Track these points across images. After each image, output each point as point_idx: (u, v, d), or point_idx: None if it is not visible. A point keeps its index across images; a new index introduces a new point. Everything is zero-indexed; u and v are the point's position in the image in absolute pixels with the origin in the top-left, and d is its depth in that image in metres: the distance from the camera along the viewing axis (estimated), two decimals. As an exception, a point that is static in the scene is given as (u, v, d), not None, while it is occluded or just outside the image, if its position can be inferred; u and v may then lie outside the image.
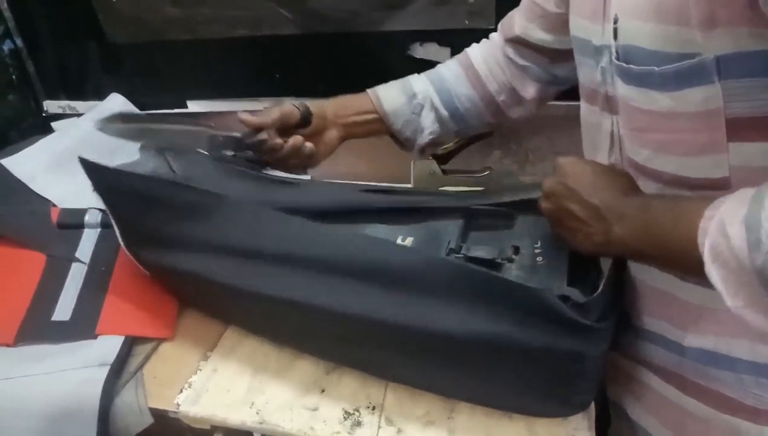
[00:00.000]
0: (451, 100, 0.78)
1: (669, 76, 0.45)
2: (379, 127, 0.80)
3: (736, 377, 0.51)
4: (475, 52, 0.79)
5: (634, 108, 0.50)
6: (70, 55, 1.04)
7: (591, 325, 0.51)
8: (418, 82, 0.80)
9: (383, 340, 0.59)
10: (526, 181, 0.99)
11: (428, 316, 0.55)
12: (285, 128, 0.75)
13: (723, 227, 0.39)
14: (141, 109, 1.02)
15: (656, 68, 0.45)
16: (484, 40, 0.80)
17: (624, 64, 0.48)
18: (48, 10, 1.00)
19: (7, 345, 0.68)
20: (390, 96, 0.79)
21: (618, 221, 0.49)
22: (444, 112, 0.79)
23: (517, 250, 0.64)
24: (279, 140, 0.74)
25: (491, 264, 0.61)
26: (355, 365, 0.66)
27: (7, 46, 1.01)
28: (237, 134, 0.74)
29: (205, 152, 0.77)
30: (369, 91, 0.80)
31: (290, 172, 0.80)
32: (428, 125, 0.80)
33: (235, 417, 0.62)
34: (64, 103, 1.08)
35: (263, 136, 0.73)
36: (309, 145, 0.75)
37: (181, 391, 0.65)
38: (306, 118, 0.75)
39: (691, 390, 0.55)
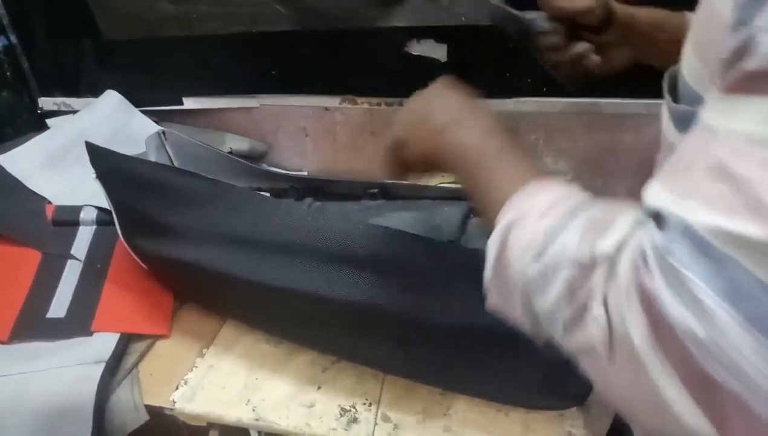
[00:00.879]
0: None
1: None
2: None
3: None
4: None
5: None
6: (65, 51, 1.03)
7: None
8: None
9: (381, 330, 0.59)
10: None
11: (426, 306, 0.55)
12: (576, 26, 0.62)
13: (525, 213, 0.37)
14: (136, 105, 1.02)
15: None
16: None
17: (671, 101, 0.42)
18: (43, 7, 0.99)
19: (2, 343, 0.68)
20: None
21: (456, 124, 0.48)
22: None
23: None
24: (562, 40, 0.62)
25: None
26: (352, 357, 0.66)
27: (1, 42, 1.01)
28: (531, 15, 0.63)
29: None
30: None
31: (563, 81, 0.67)
32: None
33: (231, 414, 0.62)
34: (59, 100, 1.07)
35: (549, 26, 0.62)
36: (595, 57, 0.62)
37: (177, 388, 0.65)
38: (606, 21, 0.61)
39: None
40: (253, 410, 0.62)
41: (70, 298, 0.73)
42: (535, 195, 0.38)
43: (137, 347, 0.69)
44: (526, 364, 0.56)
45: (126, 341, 0.69)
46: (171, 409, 0.63)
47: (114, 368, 0.65)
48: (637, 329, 0.28)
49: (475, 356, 0.57)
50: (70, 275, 0.75)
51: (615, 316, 0.30)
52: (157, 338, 0.71)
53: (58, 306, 0.72)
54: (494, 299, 0.40)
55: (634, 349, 0.28)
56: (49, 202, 0.85)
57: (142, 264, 0.73)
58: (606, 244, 0.31)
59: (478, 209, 0.46)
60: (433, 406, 0.62)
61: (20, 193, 0.86)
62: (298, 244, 0.61)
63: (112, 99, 1.01)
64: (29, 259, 0.76)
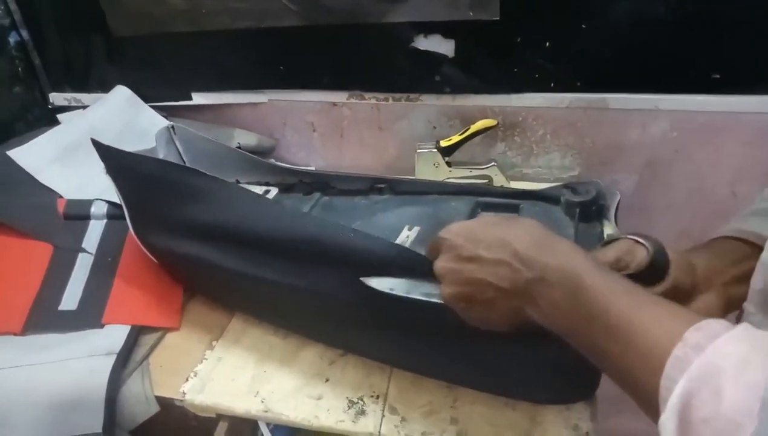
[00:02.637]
0: None
1: None
2: None
3: None
4: None
5: None
6: (75, 47, 1.04)
7: None
8: None
9: (388, 324, 0.60)
10: (529, 174, 0.99)
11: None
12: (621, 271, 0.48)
13: (718, 385, 0.27)
14: (145, 101, 1.02)
15: None
16: None
17: None
18: (53, 3, 1.00)
19: (15, 334, 0.69)
20: (764, 221, 0.53)
21: (539, 284, 0.38)
22: None
23: None
24: None
25: None
26: (359, 350, 0.66)
27: (13, 38, 1.02)
28: None
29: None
30: (725, 231, 0.55)
31: None
32: None
33: (240, 406, 0.63)
34: (69, 95, 1.08)
35: None
36: None
37: (187, 380, 0.66)
38: (659, 267, 0.48)
39: None
40: (262, 401, 0.63)
41: (81, 291, 0.74)
42: (708, 346, 0.29)
43: (147, 340, 0.70)
44: (534, 358, 0.56)
45: (136, 334, 0.70)
46: (181, 400, 0.64)
47: (125, 360, 0.66)
48: None
49: (482, 350, 0.57)
50: (82, 268, 0.76)
51: None
52: (167, 330, 0.72)
53: (70, 299, 0.73)
54: None
55: None
56: (61, 197, 0.86)
57: (152, 258, 0.74)
58: None
59: (604, 367, 0.37)
60: (439, 399, 0.62)
61: (32, 188, 0.87)
62: (304, 241, 0.61)
63: (121, 94, 1.01)
64: (41, 252, 0.77)
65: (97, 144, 0.68)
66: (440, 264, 0.46)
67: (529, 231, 0.42)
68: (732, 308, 0.49)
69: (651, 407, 0.30)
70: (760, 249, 0.45)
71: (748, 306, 0.44)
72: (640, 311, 0.33)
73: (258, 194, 0.65)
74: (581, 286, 0.37)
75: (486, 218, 0.47)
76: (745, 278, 0.45)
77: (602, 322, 0.34)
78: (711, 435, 0.27)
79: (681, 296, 0.48)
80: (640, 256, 0.48)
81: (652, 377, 0.30)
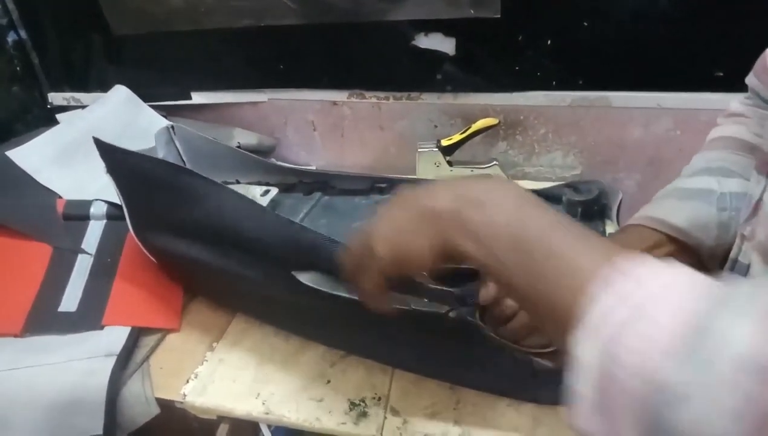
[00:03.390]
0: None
1: None
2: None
3: None
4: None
5: None
6: (74, 46, 1.04)
7: None
8: (696, 179, 0.59)
9: (389, 325, 0.59)
10: (531, 173, 0.99)
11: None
12: None
13: (641, 309, 0.27)
14: (144, 100, 1.02)
15: None
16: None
17: None
18: (52, 2, 1.00)
19: (15, 336, 0.69)
20: (674, 206, 0.56)
21: (478, 210, 0.35)
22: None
23: None
24: (511, 304, 0.50)
25: None
26: (360, 351, 0.66)
27: (11, 37, 1.01)
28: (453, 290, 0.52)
29: None
30: (635, 219, 0.58)
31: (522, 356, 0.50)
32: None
33: (241, 408, 0.62)
34: (68, 95, 1.08)
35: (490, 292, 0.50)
36: None
37: (188, 381, 0.65)
38: None
39: None
40: (263, 403, 0.62)
41: (81, 292, 0.73)
42: (637, 277, 0.28)
43: (148, 341, 0.70)
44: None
45: (136, 335, 0.69)
46: (181, 402, 0.63)
47: (125, 362, 0.66)
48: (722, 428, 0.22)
49: (485, 350, 0.57)
50: (81, 269, 0.76)
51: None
52: (167, 331, 0.72)
53: (70, 300, 0.72)
54: (590, 427, 0.29)
55: None
56: (60, 197, 0.85)
57: (152, 259, 0.73)
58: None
59: (524, 304, 0.35)
60: (442, 400, 0.62)
61: (31, 188, 0.86)
62: (302, 243, 0.61)
63: (120, 94, 1.01)
64: (41, 253, 0.77)
65: (98, 142, 0.68)
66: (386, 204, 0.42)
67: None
68: None
69: (565, 330, 0.29)
70: (671, 237, 0.49)
71: (753, 256, 0.44)
72: (569, 234, 0.33)
73: (245, 198, 0.64)
74: (524, 212, 0.35)
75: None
76: None
77: (531, 240, 0.33)
78: (628, 348, 0.26)
79: None
80: None
81: (573, 296, 0.29)
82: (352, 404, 0.62)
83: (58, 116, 1.07)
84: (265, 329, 0.72)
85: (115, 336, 0.68)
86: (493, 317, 0.51)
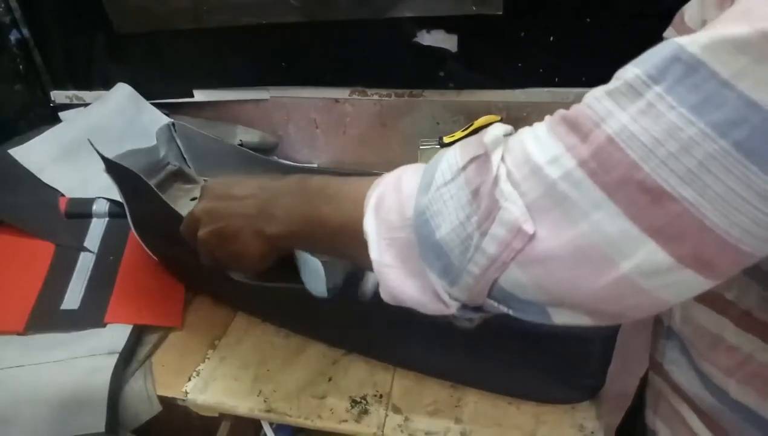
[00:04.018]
0: None
1: None
2: None
3: None
4: None
5: None
6: (76, 45, 1.04)
7: None
8: None
9: (390, 322, 0.59)
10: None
11: None
12: None
13: (398, 181, 0.36)
14: (147, 98, 1.02)
15: None
16: None
17: None
18: (54, 0, 1.00)
19: (18, 333, 0.69)
20: None
21: (276, 197, 0.44)
22: None
23: None
24: None
25: None
26: (362, 349, 0.66)
27: (14, 36, 1.01)
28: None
29: None
30: None
31: None
32: None
33: (242, 405, 0.62)
34: (71, 93, 1.08)
35: None
36: None
37: (190, 379, 0.65)
38: None
39: None
40: (265, 401, 0.62)
41: (83, 290, 0.73)
42: (393, 173, 0.37)
43: (150, 339, 0.70)
44: (538, 356, 0.55)
45: (139, 333, 0.69)
46: (183, 400, 0.64)
47: (127, 360, 0.66)
48: (560, 169, 0.28)
49: (487, 349, 0.57)
50: (84, 267, 0.76)
51: (525, 178, 0.29)
52: (169, 329, 0.72)
53: (72, 298, 0.72)
54: (392, 280, 0.35)
55: (559, 194, 0.28)
56: (62, 195, 0.85)
57: (154, 257, 0.73)
58: (490, 134, 0.32)
59: (326, 247, 0.43)
60: (444, 398, 0.62)
61: (34, 186, 0.86)
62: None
63: (123, 92, 1.01)
64: (43, 251, 0.77)
65: (102, 156, 0.67)
66: (197, 209, 0.48)
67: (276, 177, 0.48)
68: None
69: (360, 240, 0.36)
70: None
71: None
72: (351, 180, 0.41)
73: None
74: (305, 183, 0.44)
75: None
76: None
77: (323, 197, 0.41)
78: (394, 210, 0.35)
79: None
80: None
81: (356, 209, 0.37)
82: (354, 402, 0.62)
83: (61, 114, 1.07)
84: (266, 326, 0.72)
85: (117, 334, 0.68)
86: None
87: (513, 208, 0.29)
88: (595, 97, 0.28)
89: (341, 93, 0.97)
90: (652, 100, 0.26)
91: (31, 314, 0.70)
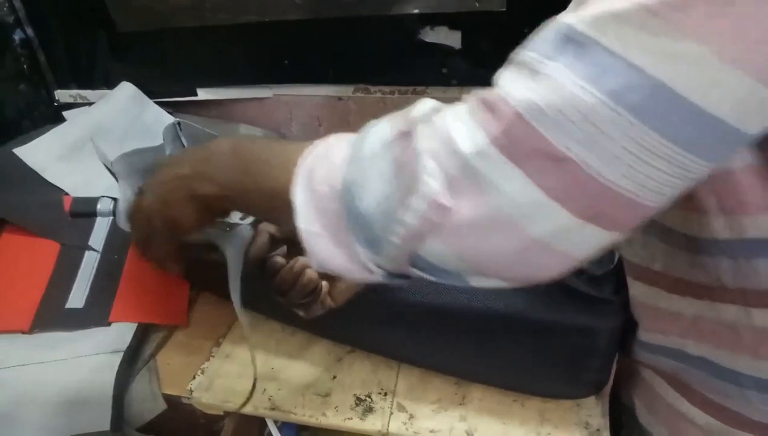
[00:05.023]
0: None
1: None
2: None
3: (740, 391, 0.47)
4: None
5: None
6: (80, 44, 1.04)
7: (605, 298, 0.51)
8: None
9: (395, 318, 0.59)
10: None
11: (440, 293, 0.55)
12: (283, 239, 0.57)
13: (328, 151, 0.37)
14: (150, 96, 1.02)
15: None
16: None
17: None
18: (58, 0, 1.00)
19: (23, 332, 0.69)
20: None
21: (209, 159, 0.46)
22: None
23: None
24: (281, 260, 0.57)
25: None
26: (367, 346, 0.66)
27: (18, 36, 1.01)
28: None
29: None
30: None
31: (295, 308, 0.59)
32: None
33: (247, 404, 0.62)
34: (74, 92, 1.08)
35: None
36: (324, 283, 0.57)
37: (194, 377, 0.66)
38: None
39: (698, 401, 0.51)
40: (269, 399, 0.62)
41: (88, 288, 0.73)
42: (324, 141, 0.39)
43: (155, 337, 0.70)
44: (543, 351, 0.55)
45: (143, 331, 0.70)
46: (188, 398, 0.64)
47: (132, 358, 0.66)
48: (475, 146, 0.30)
49: (491, 344, 0.56)
50: (88, 266, 0.76)
51: (446, 155, 0.31)
52: (174, 328, 0.72)
53: (77, 296, 0.72)
54: (321, 249, 0.37)
55: (474, 170, 0.30)
56: (67, 194, 0.86)
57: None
58: (418, 109, 0.34)
59: (259, 210, 0.45)
60: (448, 396, 0.62)
61: (38, 185, 0.86)
62: None
63: (126, 91, 1.01)
64: (48, 250, 0.77)
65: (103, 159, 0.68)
66: (142, 185, 0.51)
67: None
68: None
69: (290, 206, 0.37)
70: None
71: None
72: (284, 145, 0.43)
73: None
74: (240, 146, 0.45)
75: None
76: None
77: (255, 162, 0.43)
78: (323, 181, 0.36)
79: None
80: None
81: (286, 176, 0.38)
82: (359, 400, 0.62)
83: (65, 113, 1.07)
84: (271, 324, 0.72)
85: (121, 332, 0.68)
86: (269, 273, 0.57)
87: (433, 182, 0.31)
88: (503, 77, 0.31)
89: (344, 90, 0.97)
90: (552, 74, 0.29)
91: (36, 312, 0.71)
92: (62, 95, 1.09)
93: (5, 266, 0.76)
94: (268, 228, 0.56)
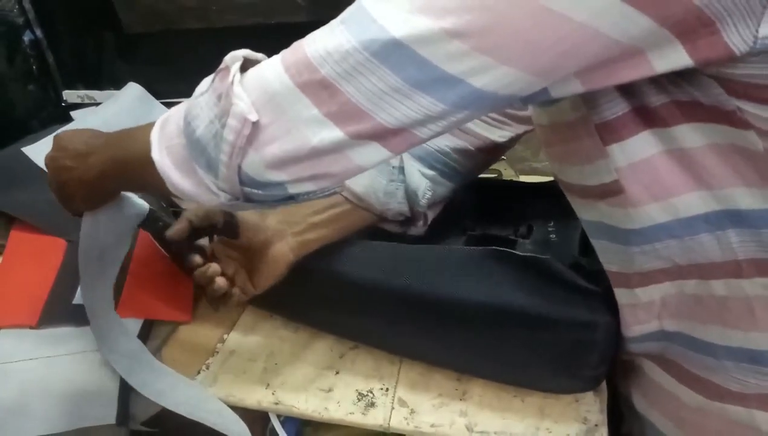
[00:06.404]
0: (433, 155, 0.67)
1: None
2: (351, 218, 0.63)
3: (718, 362, 0.49)
4: None
5: (536, 124, 0.53)
6: (88, 45, 1.05)
7: (602, 292, 0.52)
8: None
9: (396, 312, 0.60)
10: (539, 168, 0.99)
11: (441, 287, 0.56)
12: (204, 228, 0.61)
13: (180, 105, 0.46)
14: (157, 97, 1.03)
15: None
16: None
17: None
18: (67, 1, 1.01)
19: (31, 327, 0.70)
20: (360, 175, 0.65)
21: (95, 150, 0.53)
22: (428, 171, 0.67)
23: (530, 228, 0.65)
24: (198, 259, 0.61)
25: (506, 241, 0.62)
26: (368, 340, 0.66)
27: (27, 37, 1.03)
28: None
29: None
30: None
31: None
32: (421, 184, 0.65)
33: (251, 398, 0.63)
34: (82, 92, 1.09)
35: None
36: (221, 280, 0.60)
37: (199, 373, 0.66)
38: (232, 229, 0.61)
39: (685, 378, 0.53)
40: (273, 394, 0.63)
41: (94, 285, 0.74)
42: (172, 110, 0.47)
43: (160, 333, 0.71)
44: (542, 345, 0.56)
45: (149, 327, 0.70)
46: (193, 392, 0.64)
47: (137, 353, 0.67)
48: (275, 74, 0.39)
49: (492, 337, 0.57)
50: (95, 262, 0.77)
51: (252, 80, 0.40)
52: (179, 323, 0.73)
53: (83, 293, 0.73)
54: (173, 179, 0.44)
55: (273, 92, 0.39)
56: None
57: (164, 251, 0.74)
58: (232, 54, 0.43)
59: (131, 180, 0.53)
60: (449, 391, 0.62)
61: (45, 184, 0.87)
62: None
63: (133, 91, 1.02)
64: (56, 247, 0.78)
65: None
66: (46, 156, 0.58)
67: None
68: (311, 247, 0.62)
69: (153, 168, 0.44)
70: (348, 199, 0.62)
71: None
72: (138, 128, 0.50)
73: None
74: (120, 131, 0.54)
75: None
76: (326, 222, 0.61)
77: (127, 138, 0.51)
78: (172, 126, 0.45)
79: (256, 249, 0.61)
80: (220, 218, 0.60)
81: (146, 143, 0.45)
82: (360, 395, 0.62)
83: (72, 113, 1.08)
84: (275, 320, 0.72)
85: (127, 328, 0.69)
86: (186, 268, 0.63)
87: (241, 103, 0.39)
88: (311, 34, 0.40)
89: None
90: (334, 28, 0.38)
91: (43, 308, 0.72)
92: (70, 95, 1.10)
93: (14, 262, 0.77)
94: (188, 215, 0.60)
